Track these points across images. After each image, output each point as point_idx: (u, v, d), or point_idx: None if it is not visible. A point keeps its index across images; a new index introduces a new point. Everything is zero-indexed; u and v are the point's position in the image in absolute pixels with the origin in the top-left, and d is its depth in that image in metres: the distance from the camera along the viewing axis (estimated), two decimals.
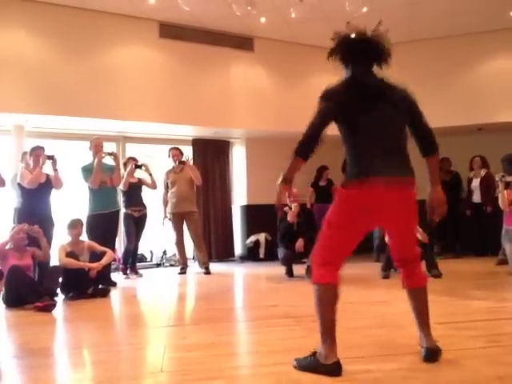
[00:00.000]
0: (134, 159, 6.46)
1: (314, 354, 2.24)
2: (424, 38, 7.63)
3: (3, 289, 4.30)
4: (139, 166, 6.34)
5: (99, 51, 6.64)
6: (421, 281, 2.39)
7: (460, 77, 7.68)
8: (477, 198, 7.31)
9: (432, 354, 2.29)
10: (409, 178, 2.26)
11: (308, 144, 2.21)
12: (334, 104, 2.21)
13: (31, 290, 4.20)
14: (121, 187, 6.07)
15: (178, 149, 6.70)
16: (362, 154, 2.22)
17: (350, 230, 2.23)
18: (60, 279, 4.58)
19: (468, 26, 7.29)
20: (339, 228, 2.24)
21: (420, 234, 5.52)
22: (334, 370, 2.15)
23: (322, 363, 2.18)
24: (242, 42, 7.57)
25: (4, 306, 4.25)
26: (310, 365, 2.22)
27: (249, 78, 7.60)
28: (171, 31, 7.08)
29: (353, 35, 2.30)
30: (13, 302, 4.21)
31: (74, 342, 3.22)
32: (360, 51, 2.29)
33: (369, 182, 2.15)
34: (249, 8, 5.37)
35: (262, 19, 6.86)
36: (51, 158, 5.27)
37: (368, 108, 2.21)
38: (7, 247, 4.59)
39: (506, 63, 7.53)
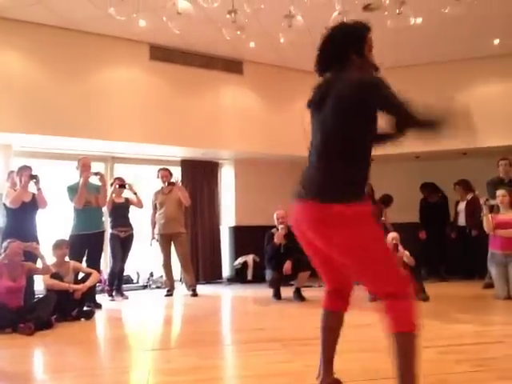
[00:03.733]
0: (120, 179, 6.44)
1: None
2: (410, 64, 7.79)
3: None
4: (123, 186, 6.33)
5: (89, 72, 6.66)
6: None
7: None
8: (462, 221, 7.38)
9: None
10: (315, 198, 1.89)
11: None
12: None
13: (14, 321, 4.04)
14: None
15: (167, 169, 6.70)
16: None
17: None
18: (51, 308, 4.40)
19: (453, 52, 7.46)
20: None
21: (406, 257, 5.55)
22: None
23: None
24: (232, 65, 7.67)
25: None
26: None
27: (238, 100, 7.68)
28: (161, 53, 7.15)
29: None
30: None
31: (56, 365, 3.15)
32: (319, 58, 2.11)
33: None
34: (238, 32, 5.44)
35: (252, 43, 6.96)
36: (34, 177, 5.25)
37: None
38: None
39: (490, 90, 7.70)
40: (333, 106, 1.92)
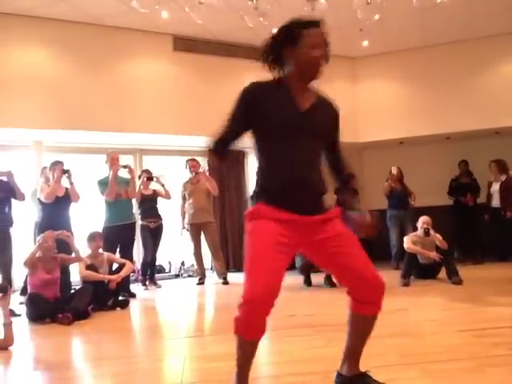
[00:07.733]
0: (147, 172, 6.52)
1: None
2: (438, 43, 7.58)
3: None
4: (151, 178, 6.42)
5: (115, 66, 6.74)
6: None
7: (475, 81, 7.60)
8: (496, 202, 7.20)
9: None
10: None
11: None
12: None
13: (52, 311, 4.19)
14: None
15: (195, 160, 6.74)
16: None
17: None
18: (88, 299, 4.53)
19: (482, 29, 7.22)
20: None
21: (439, 241, 5.47)
22: None
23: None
24: (255, 53, 7.57)
25: (27, 320, 4.29)
26: None
27: None
28: (185, 44, 7.16)
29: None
30: (34, 319, 4.25)
31: (94, 353, 3.24)
32: None
33: None
34: (261, 19, 5.41)
35: (274, 30, 6.89)
36: (66, 171, 5.38)
37: None
38: (37, 255, 4.54)
39: None
40: None
